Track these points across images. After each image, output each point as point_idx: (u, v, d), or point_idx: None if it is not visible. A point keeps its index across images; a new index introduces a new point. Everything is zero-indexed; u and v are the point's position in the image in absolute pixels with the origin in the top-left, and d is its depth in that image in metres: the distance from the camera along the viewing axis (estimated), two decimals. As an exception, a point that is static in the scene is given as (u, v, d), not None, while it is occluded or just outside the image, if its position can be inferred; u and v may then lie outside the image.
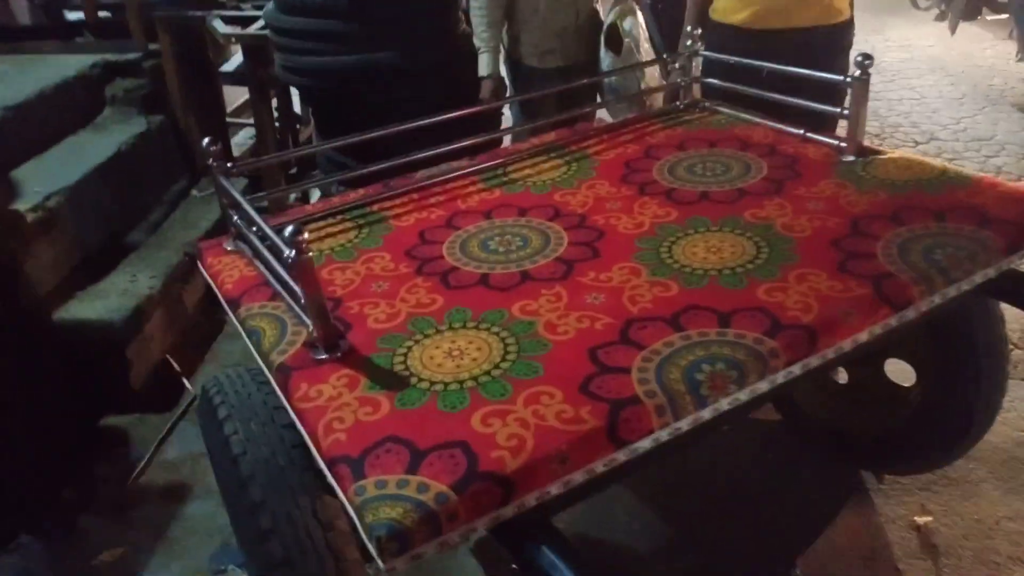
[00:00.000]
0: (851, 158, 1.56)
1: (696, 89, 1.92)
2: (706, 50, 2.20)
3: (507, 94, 2.54)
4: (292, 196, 3.15)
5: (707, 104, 1.90)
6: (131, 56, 2.97)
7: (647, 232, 1.38)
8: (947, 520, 1.84)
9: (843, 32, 2.08)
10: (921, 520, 1.83)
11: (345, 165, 2.70)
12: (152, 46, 2.96)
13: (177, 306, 2.55)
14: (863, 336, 1.14)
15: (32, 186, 2.34)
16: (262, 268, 1.33)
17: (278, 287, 1.23)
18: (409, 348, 1.13)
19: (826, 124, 1.89)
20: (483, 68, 2.47)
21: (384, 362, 1.10)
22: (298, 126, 3.60)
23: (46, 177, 2.41)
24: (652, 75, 2.46)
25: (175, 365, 2.49)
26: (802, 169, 1.55)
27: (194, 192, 3.09)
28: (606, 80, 2.51)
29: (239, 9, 3.14)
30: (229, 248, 1.46)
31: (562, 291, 1.23)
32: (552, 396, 1.00)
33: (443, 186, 1.64)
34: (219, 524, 1.89)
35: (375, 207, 1.58)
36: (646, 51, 2.45)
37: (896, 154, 1.56)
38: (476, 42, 2.48)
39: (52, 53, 3.05)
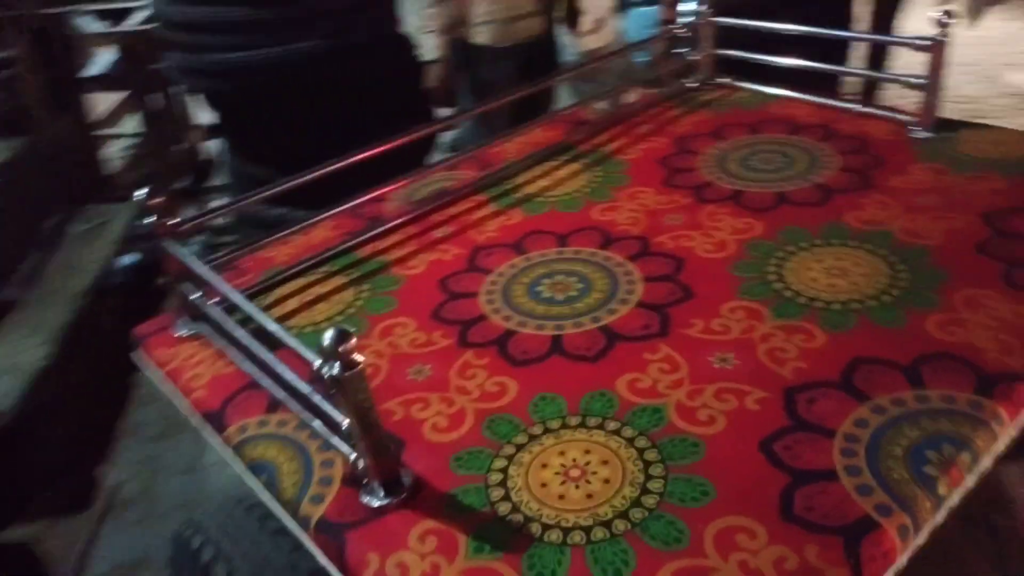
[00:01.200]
0: (927, 134, 1.32)
1: (708, 62, 1.63)
2: None
3: (458, 79, 2.20)
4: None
5: (722, 80, 1.62)
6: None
7: (737, 254, 1.09)
8: None
9: None
10: None
11: (261, 179, 2.29)
12: (5, 53, 2.39)
13: (78, 377, 2.07)
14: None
15: None
16: (248, 365, 0.95)
17: (293, 404, 0.86)
18: (504, 471, 0.79)
19: (824, 85, 1.67)
20: (429, 52, 2.12)
21: (477, 500, 0.76)
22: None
23: None
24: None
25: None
26: (879, 152, 1.29)
27: (72, 229, 2.56)
28: (569, 57, 2.20)
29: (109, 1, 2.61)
30: (183, 333, 1.06)
31: (672, 353, 0.92)
32: (752, 535, 0.69)
33: (442, 210, 1.29)
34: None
35: (363, 249, 1.21)
36: (606, 32, 2.15)
37: (980, 126, 1.33)
38: (419, 21, 2.12)
39: None
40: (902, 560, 0.71)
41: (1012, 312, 0.91)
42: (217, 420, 0.92)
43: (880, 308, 0.95)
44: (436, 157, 1.95)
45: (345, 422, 0.75)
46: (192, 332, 1.05)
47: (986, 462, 0.80)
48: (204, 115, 3.28)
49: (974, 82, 4.31)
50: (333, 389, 0.72)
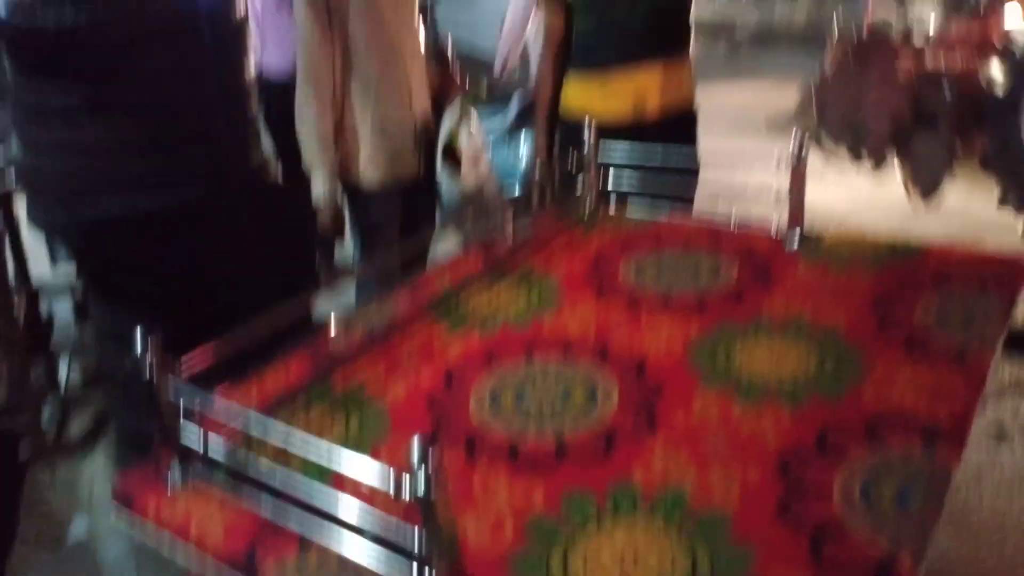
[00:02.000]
0: (797, 242, 1.58)
1: (596, 190, 1.83)
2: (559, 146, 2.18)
3: (345, 219, 2.27)
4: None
5: (611, 205, 1.83)
6: None
7: (687, 351, 1.24)
8: None
9: (695, 117, 2.17)
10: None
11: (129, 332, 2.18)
12: None
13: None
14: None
15: None
16: (268, 500, 0.93)
17: (336, 533, 0.86)
18: (563, 564, 0.84)
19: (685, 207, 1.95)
20: (318, 192, 2.18)
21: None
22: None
23: None
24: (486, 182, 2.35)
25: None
26: (767, 259, 1.52)
27: None
28: (445, 198, 2.35)
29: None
30: (176, 482, 1.01)
31: (670, 442, 1.03)
32: (802, 583, 0.80)
33: (400, 339, 1.34)
34: None
35: (336, 382, 1.23)
36: (482, 170, 2.33)
37: (837, 233, 1.60)
38: (306, 164, 2.18)
39: None
40: None
41: (922, 375, 1.12)
42: (248, 567, 0.89)
43: (822, 384, 1.13)
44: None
45: (417, 544, 0.77)
46: (184, 480, 1.01)
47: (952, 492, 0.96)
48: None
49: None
50: (418, 508, 0.75)
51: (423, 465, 0.73)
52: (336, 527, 0.86)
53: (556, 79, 2.18)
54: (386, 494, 0.77)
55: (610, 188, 1.81)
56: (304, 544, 0.89)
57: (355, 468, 0.82)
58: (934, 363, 1.15)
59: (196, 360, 1.05)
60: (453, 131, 2.32)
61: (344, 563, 0.86)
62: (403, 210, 2.36)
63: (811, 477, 0.95)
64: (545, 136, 2.21)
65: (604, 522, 0.91)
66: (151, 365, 0.98)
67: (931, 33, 3.96)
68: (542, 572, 0.84)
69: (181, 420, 1.00)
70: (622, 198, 1.84)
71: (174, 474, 1.01)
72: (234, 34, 2.13)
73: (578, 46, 2.14)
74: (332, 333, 1.31)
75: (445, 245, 2.67)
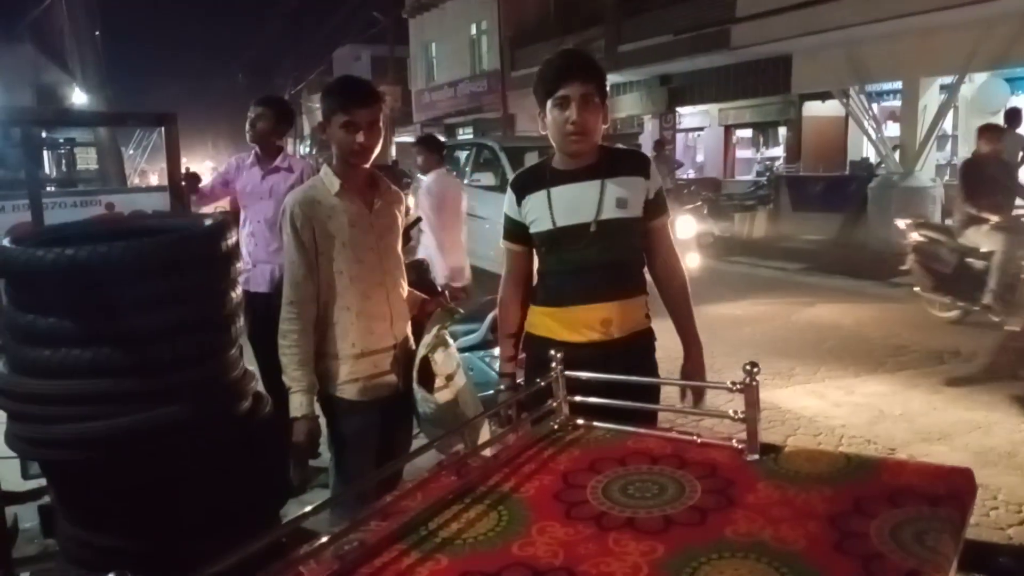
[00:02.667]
0: (756, 456, 1.64)
1: (565, 407, 1.91)
2: (527, 363, 2.28)
3: (321, 434, 2.31)
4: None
5: (579, 421, 1.90)
6: None
7: (652, 575, 1.26)
8: None
9: (652, 337, 2.30)
10: None
11: (101, 545, 2.13)
12: None
13: None
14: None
15: None
16: None
17: None
18: None
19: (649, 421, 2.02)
20: (296, 408, 2.24)
21: None
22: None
23: None
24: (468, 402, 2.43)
25: None
26: (729, 476, 1.57)
27: None
28: (422, 412, 2.41)
29: None
30: None
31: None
32: None
33: (367, 563, 1.35)
34: None
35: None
36: (457, 385, 2.42)
37: (794, 446, 1.67)
38: (287, 380, 2.26)
39: None
40: None
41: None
42: None
43: (784, 607, 1.14)
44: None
45: None
46: None
47: None
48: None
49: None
50: None
51: None
52: None
53: (520, 310, 2.33)
54: None
55: (577, 399, 1.90)
56: None
57: None
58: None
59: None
60: (429, 349, 2.42)
61: None
62: (380, 424, 2.42)
63: None
64: (510, 359, 2.33)
65: None
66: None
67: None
68: None
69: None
70: (589, 413, 1.92)
71: None
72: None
73: (540, 283, 2.31)
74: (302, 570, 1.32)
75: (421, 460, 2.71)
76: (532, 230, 2.29)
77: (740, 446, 1.67)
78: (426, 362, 2.42)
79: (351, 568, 1.33)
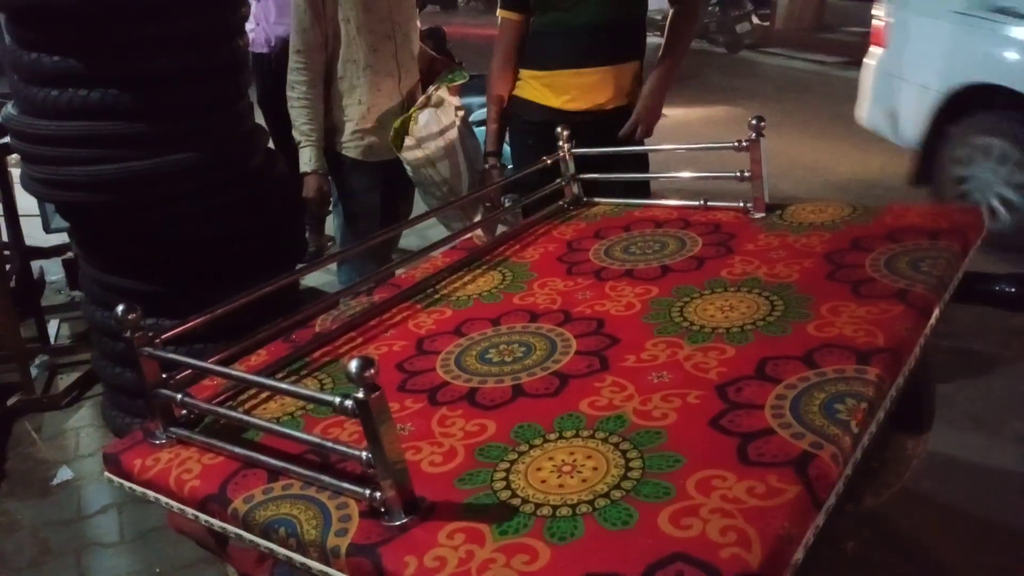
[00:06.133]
0: (762, 215, 1.64)
1: (574, 185, 1.91)
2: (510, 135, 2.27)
3: (331, 191, 2.40)
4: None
5: (589, 199, 1.91)
6: None
7: (644, 310, 1.30)
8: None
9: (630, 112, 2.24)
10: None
11: (122, 288, 2.24)
12: None
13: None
14: (917, 350, 1.14)
15: None
16: (242, 447, 1.01)
17: (296, 468, 0.93)
18: (506, 478, 0.90)
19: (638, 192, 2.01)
20: (306, 163, 2.31)
21: (489, 501, 0.87)
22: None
23: None
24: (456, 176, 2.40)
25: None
26: (732, 231, 1.58)
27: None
28: (414, 176, 2.41)
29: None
30: (160, 441, 1.10)
31: (617, 379, 1.09)
32: (723, 479, 0.85)
33: (376, 318, 1.42)
34: None
35: (314, 354, 1.31)
36: (436, 147, 2.37)
37: (799, 204, 1.66)
38: (296, 135, 2.32)
39: None
40: (839, 485, 0.88)
41: (865, 311, 1.17)
42: (219, 500, 0.96)
43: (769, 325, 1.18)
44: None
45: (364, 455, 0.85)
46: (169, 438, 1.09)
47: (880, 412, 1.00)
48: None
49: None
50: (358, 414, 0.82)
51: (361, 377, 0.81)
52: (297, 465, 0.94)
53: (510, 80, 2.27)
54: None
55: (582, 176, 1.90)
56: (272, 479, 0.97)
57: (307, 394, 0.90)
58: (878, 301, 1.19)
59: (181, 325, 1.15)
60: (417, 107, 2.37)
61: (303, 493, 0.93)
62: (384, 184, 2.47)
63: (745, 398, 1.00)
64: (495, 132, 2.29)
65: (548, 444, 0.97)
66: (134, 331, 1.07)
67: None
68: (484, 483, 0.90)
69: (163, 382, 1.09)
70: (593, 191, 1.92)
71: (157, 435, 1.10)
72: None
73: (530, 47, 2.24)
74: (316, 325, 1.40)
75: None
76: None
77: (747, 208, 1.66)
78: (408, 121, 2.37)
79: (360, 322, 1.40)
